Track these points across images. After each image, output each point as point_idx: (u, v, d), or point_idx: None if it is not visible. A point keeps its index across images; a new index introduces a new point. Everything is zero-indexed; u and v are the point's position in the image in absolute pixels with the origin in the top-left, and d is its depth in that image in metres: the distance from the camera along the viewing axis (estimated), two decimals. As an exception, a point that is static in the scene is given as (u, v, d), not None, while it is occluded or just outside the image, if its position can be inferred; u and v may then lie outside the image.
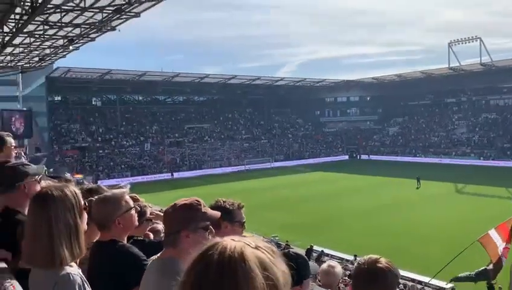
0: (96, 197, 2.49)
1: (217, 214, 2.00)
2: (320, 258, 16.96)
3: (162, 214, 4.26)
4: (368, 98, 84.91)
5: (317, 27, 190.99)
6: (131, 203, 2.44)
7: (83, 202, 1.99)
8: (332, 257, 18.66)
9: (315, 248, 20.22)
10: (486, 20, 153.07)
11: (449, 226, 25.08)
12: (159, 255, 2.02)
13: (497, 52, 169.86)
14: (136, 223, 2.49)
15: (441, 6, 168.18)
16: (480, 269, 11.80)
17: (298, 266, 1.79)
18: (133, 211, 2.42)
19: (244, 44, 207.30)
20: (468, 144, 64.36)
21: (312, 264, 1.95)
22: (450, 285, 15.44)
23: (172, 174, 55.47)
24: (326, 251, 19.86)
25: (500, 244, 11.33)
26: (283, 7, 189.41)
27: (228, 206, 2.36)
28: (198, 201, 1.97)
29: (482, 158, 58.62)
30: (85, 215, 2.00)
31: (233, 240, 0.90)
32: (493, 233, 11.65)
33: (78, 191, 2.00)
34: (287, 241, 21.30)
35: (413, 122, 76.86)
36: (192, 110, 72.86)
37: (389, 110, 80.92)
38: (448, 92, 74.35)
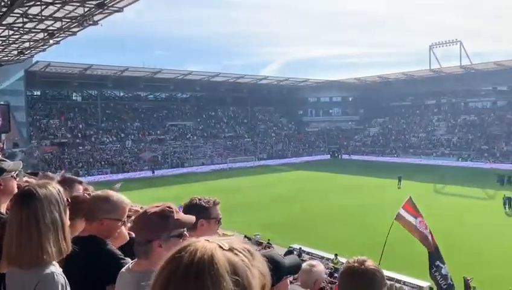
0: (101, 191, 2.47)
1: (192, 218, 1.93)
2: (299, 256, 17.02)
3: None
4: (350, 99, 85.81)
5: (300, 27, 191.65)
6: (125, 216, 2.40)
7: (65, 199, 1.96)
8: (312, 255, 18.79)
9: (295, 246, 20.34)
10: (467, 23, 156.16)
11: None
12: (132, 265, 1.93)
13: (477, 56, 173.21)
14: (116, 235, 2.44)
15: (422, 9, 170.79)
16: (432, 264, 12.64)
17: (274, 267, 1.75)
18: (120, 223, 2.37)
19: (228, 42, 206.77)
20: (447, 145, 65.60)
21: (291, 260, 1.87)
22: (427, 284, 15.73)
23: (153, 172, 55.01)
24: (307, 249, 19.98)
25: (414, 220, 13.19)
26: (267, 6, 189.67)
27: (204, 203, 2.31)
28: (170, 207, 1.86)
29: (460, 159, 59.82)
30: (67, 212, 1.97)
31: (207, 241, 0.87)
32: (403, 212, 13.37)
33: (62, 188, 1.97)
34: (268, 239, 21.35)
35: (393, 123, 77.94)
36: (175, 107, 72.38)
37: (371, 110, 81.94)
38: (429, 94, 75.65)
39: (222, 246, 0.86)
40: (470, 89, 70.45)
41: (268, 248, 19.10)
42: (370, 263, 1.76)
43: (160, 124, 67.44)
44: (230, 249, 0.86)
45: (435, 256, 12.63)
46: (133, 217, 3.77)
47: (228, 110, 77.69)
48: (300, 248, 19.80)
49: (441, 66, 68.72)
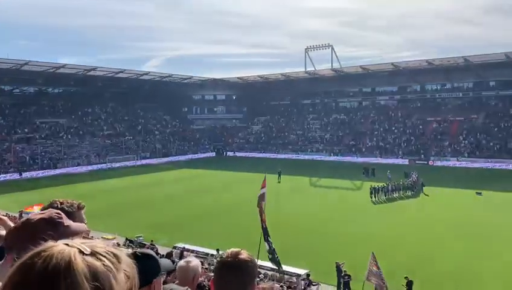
0: None
1: (82, 226, 1.74)
2: (182, 255, 16.92)
3: (4, 218, 3.76)
4: (234, 97, 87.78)
5: (184, 23, 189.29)
6: None
7: None
8: (197, 253, 18.78)
9: (179, 245, 20.14)
10: (338, 29, 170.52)
11: (305, 216, 27.35)
12: None
13: (346, 60, 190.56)
14: None
15: (299, 14, 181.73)
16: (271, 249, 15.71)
17: (146, 267, 1.71)
18: None
19: (106, 34, 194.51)
20: (321, 141, 70.94)
21: (164, 261, 1.89)
22: (305, 271, 16.84)
23: (20, 174, 49.56)
24: (191, 247, 19.90)
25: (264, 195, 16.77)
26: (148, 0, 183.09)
27: (66, 208, 2.05)
28: (59, 213, 1.64)
29: (332, 154, 65.20)
30: None
31: (66, 245, 0.81)
32: (263, 189, 16.79)
33: None
34: (151, 240, 20.78)
35: (274, 121, 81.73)
36: (46, 103, 66.08)
37: (253, 109, 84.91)
38: (305, 94, 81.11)
39: (83, 250, 0.80)
40: (340, 90, 77.42)
41: (152, 249, 18.60)
42: (243, 255, 1.79)
43: (28, 121, 60.94)
44: (92, 254, 0.80)
45: (266, 232, 16.01)
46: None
47: (107, 107, 73.50)
48: (184, 247, 19.64)
49: (315, 68, 74.02)
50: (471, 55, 57.69)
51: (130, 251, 1.80)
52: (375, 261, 14.62)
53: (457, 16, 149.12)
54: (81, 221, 2.07)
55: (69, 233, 1.60)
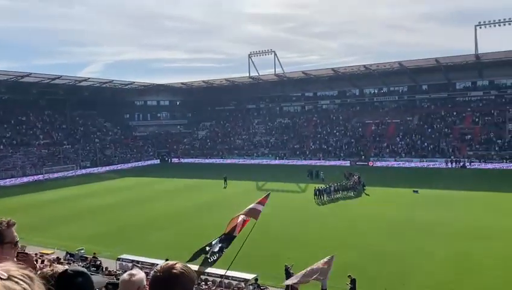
0: None
1: None
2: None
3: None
4: (178, 103, 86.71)
5: (123, 27, 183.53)
6: None
7: None
8: (143, 264, 18.26)
9: (124, 256, 19.48)
10: (280, 35, 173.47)
11: (251, 220, 27.45)
12: None
13: (288, 65, 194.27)
14: None
15: (241, 19, 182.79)
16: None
17: (78, 284, 1.65)
18: None
19: (41, 38, 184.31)
20: (266, 145, 71.74)
21: (96, 277, 1.82)
22: (253, 275, 16.87)
23: None
24: (137, 258, 19.31)
25: (260, 207, 14.71)
26: (85, 2, 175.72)
27: None
28: None
29: (277, 158, 66.12)
30: None
31: None
32: (259, 206, 14.80)
33: None
34: (94, 253, 19.92)
35: (219, 126, 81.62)
36: (-26, 112, 61.62)
37: (198, 114, 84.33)
38: (249, 99, 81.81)
39: (0, 275, 0.77)
40: (284, 94, 78.90)
41: (94, 262, 17.89)
42: (177, 269, 1.76)
43: (-47, 131, 56.48)
44: (9, 278, 0.77)
45: (228, 240, 14.61)
46: None
47: (42, 115, 69.75)
48: (132, 261, 18.99)
49: (258, 74, 74.86)
50: (405, 60, 61.02)
51: (65, 267, 1.71)
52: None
53: (393, 23, 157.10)
54: (12, 239, 1.94)
55: None
